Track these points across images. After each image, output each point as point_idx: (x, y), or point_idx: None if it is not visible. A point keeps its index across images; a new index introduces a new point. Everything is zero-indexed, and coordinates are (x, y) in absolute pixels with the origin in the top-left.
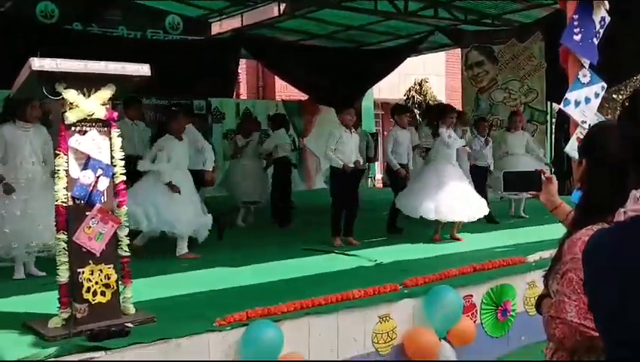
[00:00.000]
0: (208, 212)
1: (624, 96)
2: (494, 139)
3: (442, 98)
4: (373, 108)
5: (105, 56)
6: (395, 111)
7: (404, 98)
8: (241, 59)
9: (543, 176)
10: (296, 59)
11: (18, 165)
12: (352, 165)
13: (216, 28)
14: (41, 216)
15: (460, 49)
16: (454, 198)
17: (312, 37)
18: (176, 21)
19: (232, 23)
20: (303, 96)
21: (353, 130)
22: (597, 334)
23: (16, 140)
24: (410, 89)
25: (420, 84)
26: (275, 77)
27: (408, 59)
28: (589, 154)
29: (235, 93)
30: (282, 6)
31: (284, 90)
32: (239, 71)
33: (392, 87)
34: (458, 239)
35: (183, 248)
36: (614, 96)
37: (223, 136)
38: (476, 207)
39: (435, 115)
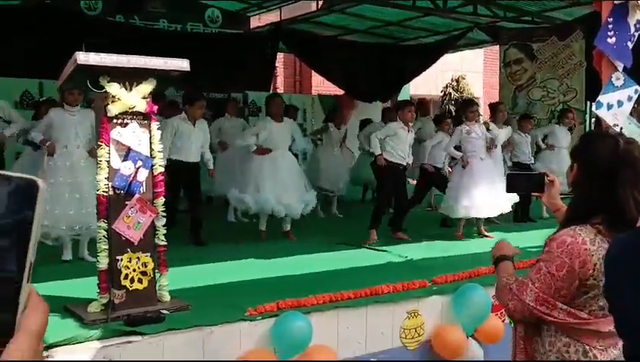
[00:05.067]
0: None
1: None
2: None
3: (479, 95)
4: None
5: (146, 49)
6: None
7: (441, 95)
8: (278, 53)
9: (546, 179)
10: (333, 54)
11: (63, 148)
12: (404, 163)
13: (254, 22)
14: (88, 200)
15: (498, 46)
16: (477, 195)
17: (350, 32)
18: (216, 14)
19: (271, 17)
20: (339, 91)
21: (411, 126)
22: (549, 318)
23: (63, 123)
24: (447, 85)
25: (457, 81)
26: (312, 71)
27: (445, 55)
28: (579, 159)
29: (271, 87)
30: (320, 1)
31: (321, 85)
32: (276, 65)
33: (428, 84)
34: (487, 236)
35: (263, 225)
36: None
37: None
38: (496, 203)
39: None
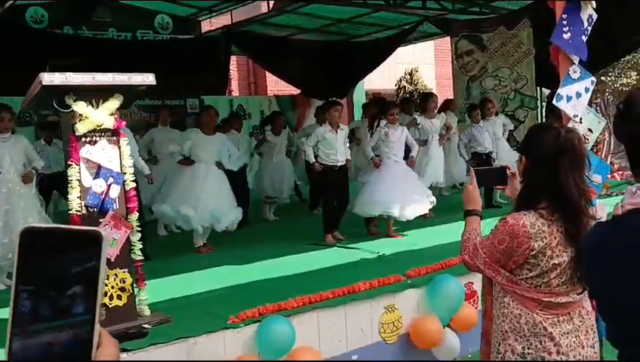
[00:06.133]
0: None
1: (612, 78)
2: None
3: (433, 87)
4: (365, 99)
5: (98, 60)
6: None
7: (395, 88)
8: (231, 56)
9: (508, 172)
10: (286, 53)
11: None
12: (339, 163)
13: (206, 26)
14: (16, 228)
15: (448, 37)
16: (391, 195)
17: (302, 31)
18: (166, 21)
19: (222, 21)
20: (295, 91)
21: (340, 126)
22: (495, 280)
23: None
24: (400, 79)
25: (411, 74)
26: (266, 72)
27: (398, 48)
28: (526, 152)
29: (227, 90)
30: (271, 2)
31: (276, 85)
32: (230, 68)
33: (382, 78)
34: (395, 237)
35: (198, 241)
36: (602, 78)
37: None
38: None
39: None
